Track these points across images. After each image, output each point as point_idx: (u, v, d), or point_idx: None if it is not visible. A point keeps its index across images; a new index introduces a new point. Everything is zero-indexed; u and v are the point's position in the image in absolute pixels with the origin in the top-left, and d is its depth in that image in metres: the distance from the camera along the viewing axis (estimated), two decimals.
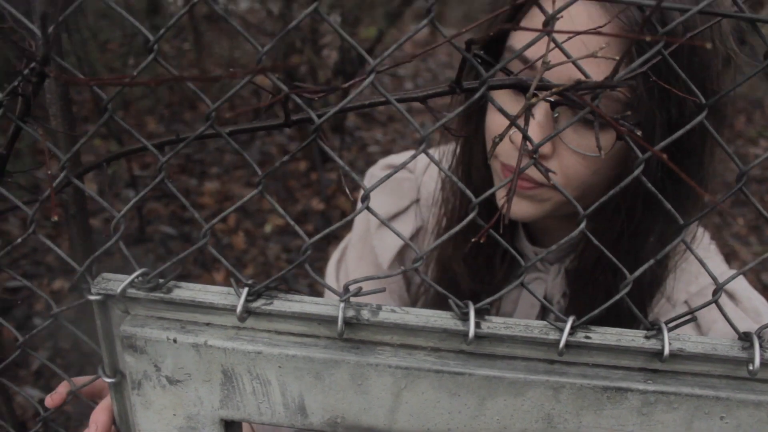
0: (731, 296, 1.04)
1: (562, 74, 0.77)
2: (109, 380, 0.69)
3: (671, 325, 0.59)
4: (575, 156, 0.85)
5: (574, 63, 0.56)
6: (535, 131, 0.83)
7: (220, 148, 4.22)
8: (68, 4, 0.60)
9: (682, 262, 1.02)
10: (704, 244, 1.10)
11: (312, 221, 3.60)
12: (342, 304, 0.60)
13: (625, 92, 0.79)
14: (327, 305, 0.61)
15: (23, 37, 0.66)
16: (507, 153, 0.89)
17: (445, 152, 1.10)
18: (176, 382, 0.65)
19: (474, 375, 0.58)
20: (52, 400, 0.78)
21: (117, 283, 0.65)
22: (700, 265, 1.04)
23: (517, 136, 0.85)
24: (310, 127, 0.59)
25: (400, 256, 1.17)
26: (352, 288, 0.61)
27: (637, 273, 0.58)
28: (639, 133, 0.80)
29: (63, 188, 0.74)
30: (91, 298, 0.66)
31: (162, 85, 0.49)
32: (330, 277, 1.26)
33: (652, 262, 0.58)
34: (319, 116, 0.59)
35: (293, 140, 4.43)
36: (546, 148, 0.85)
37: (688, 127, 0.56)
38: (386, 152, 4.52)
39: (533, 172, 0.87)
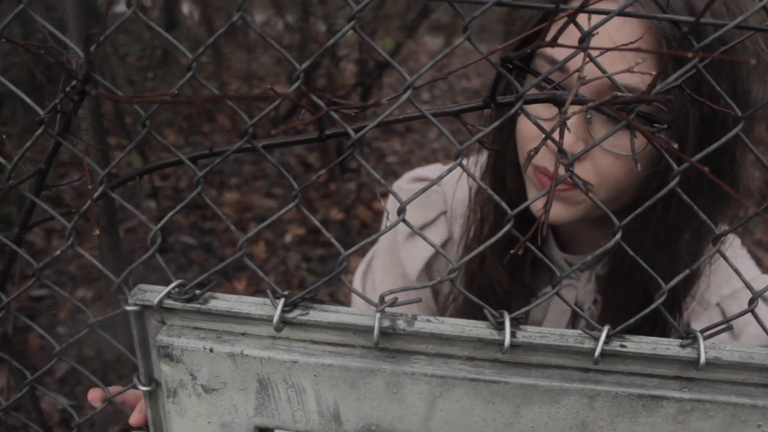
0: (764, 299, 1.04)
1: (588, 71, 0.78)
2: (144, 389, 0.70)
3: (707, 333, 0.59)
4: (609, 156, 0.86)
5: (610, 78, 0.57)
6: (567, 134, 0.83)
7: (239, 159, 4.25)
8: (105, 24, 0.62)
9: (713, 264, 1.02)
10: (736, 247, 1.10)
11: (331, 231, 3.62)
12: (378, 314, 0.60)
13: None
14: (363, 315, 0.62)
15: (60, 54, 0.67)
16: (541, 156, 0.90)
17: (477, 162, 1.11)
18: (212, 391, 0.66)
19: (509, 383, 0.59)
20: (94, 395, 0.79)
21: (154, 294, 0.66)
22: (729, 267, 1.04)
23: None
24: (346, 140, 0.60)
25: (428, 267, 1.18)
26: (387, 298, 0.61)
27: (672, 283, 0.58)
28: (670, 130, 0.81)
29: (96, 201, 0.75)
30: (129, 308, 0.67)
31: (205, 103, 0.50)
32: (357, 288, 1.27)
33: (687, 272, 0.59)
34: (356, 130, 0.60)
35: (312, 151, 4.45)
36: (570, 148, 0.86)
37: (722, 140, 0.56)
38: (404, 162, 4.54)
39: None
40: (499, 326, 0.59)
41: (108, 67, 3.15)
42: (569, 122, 0.84)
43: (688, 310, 1.02)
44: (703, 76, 0.63)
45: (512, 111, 0.58)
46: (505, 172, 1.02)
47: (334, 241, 0.65)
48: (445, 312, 1.20)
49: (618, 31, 0.79)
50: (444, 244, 1.17)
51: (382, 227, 1.24)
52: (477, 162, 1.11)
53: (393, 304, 0.61)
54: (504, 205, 0.58)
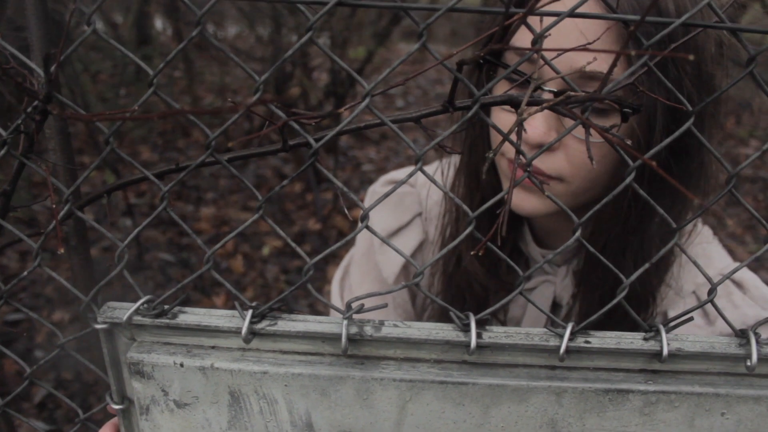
0: (739, 285, 1.05)
1: (564, 64, 0.79)
2: (117, 407, 0.70)
3: (671, 324, 0.60)
4: (582, 145, 0.86)
5: (563, 78, 0.57)
6: (539, 123, 0.84)
7: (214, 174, 4.24)
8: (67, 43, 0.62)
9: (689, 251, 1.04)
10: (707, 236, 1.11)
11: (309, 242, 3.61)
12: (345, 322, 0.61)
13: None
14: (330, 323, 0.62)
15: (23, 75, 0.67)
16: (512, 149, 0.90)
17: (448, 164, 1.11)
18: (184, 406, 0.66)
19: (477, 384, 0.59)
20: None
21: (123, 311, 0.66)
22: (707, 256, 1.05)
23: (529, 134, 0.86)
24: (307, 150, 0.61)
25: (405, 270, 1.18)
26: (354, 305, 0.62)
27: (632, 278, 0.59)
28: (639, 114, 0.82)
29: (65, 220, 0.75)
30: (98, 326, 0.67)
31: (163, 118, 0.50)
32: (334, 296, 1.27)
33: (647, 266, 0.59)
34: (316, 140, 0.60)
35: (287, 163, 4.44)
36: (541, 138, 0.86)
37: (672, 137, 0.57)
38: (380, 170, 4.54)
39: (542, 165, 0.88)
40: (465, 328, 0.59)
41: (78, 86, 3.13)
42: (542, 113, 0.84)
43: (665, 300, 1.03)
44: (667, 64, 0.65)
45: (469, 114, 0.58)
46: (479, 169, 1.02)
47: (299, 250, 0.65)
48: (423, 314, 1.20)
49: (589, 25, 0.80)
50: (420, 246, 1.18)
51: (357, 240, 1.24)
52: (450, 162, 1.12)
53: (360, 310, 0.62)
54: (465, 207, 0.59)
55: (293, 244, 0.67)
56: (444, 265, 1.11)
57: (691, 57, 0.36)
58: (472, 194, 1.04)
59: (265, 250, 3.45)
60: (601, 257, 0.62)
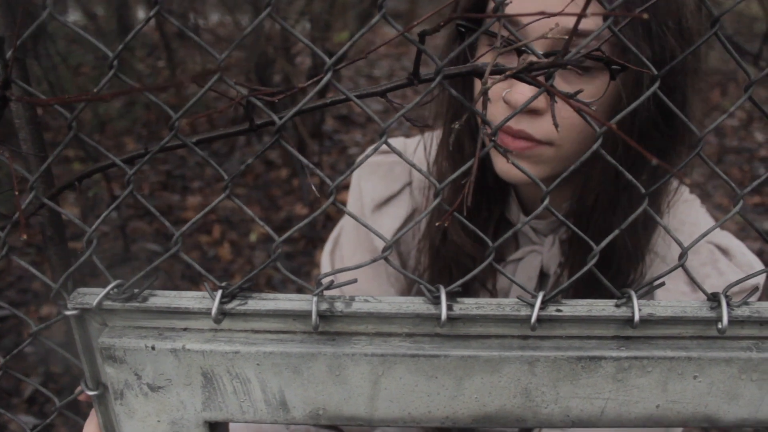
0: (725, 252, 1.05)
1: (547, 26, 0.78)
2: (92, 393, 0.69)
3: (641, 291, 0.60)
4: (569, 107, 0.86)
5: (527, 46, 0.57)
6: (526, 87, 0.83)
7: (200, 162, 4.22)
8: (26, 28, 0.61)
9: (675, 222, 1.03)
10: (687, 197, 1.11)
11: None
12: (315, 298, 0.60)
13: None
14: (300, 300, 0.62)
15: None
16: (500, 115, 0.89)
17: (431, 137, 1.10)
18: (158, 389, 0.65)
19: (449, 356, 0.59)
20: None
21: (92, 296, 0.66)
22: (695, 223, 1.05)
23: (511, 96, 0.85)
24: (293, 134, 0.60)
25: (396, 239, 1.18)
26: (324, 281, 0.61)
27: (603, 244, 0.59)
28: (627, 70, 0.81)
29: (37, 210, 0.74)
30: (68, 313, 0.66)
31: (118, 96, 0.49)
32: (325, 269, 1.26)
33: (617, 232, 0.59)
34: (281, 118, 0.59)
35: (273, 149, 4.43)
36: (540, 103, 0.86)
37: (641, 99, 0.57)
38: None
39: (533, 130, 0.87)
40: (436, 301, 0.59)
41: (57, 78, 3.10)
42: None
43: (652, 268, 1.03)
44: (650, 21, 0.64)
45: (432, 86, 0.58)
46: (462, 140, 1.02)
47: (268, 229, 0.65)
48: (413, 286, 1.19)
49: None
50: (410, 216, 1.17)
51: (348, 205, 1.22)
52: (434, 135, 1.11)
53: (330, 286, 0.61)
54: (432, 180, 0.58)
55: (262, 224, 0.66)
56: (431, 239, 1.10)
57: (645, 16, 0.35)
58: (456, 166, 1.03)
59: (253, 237, 3.44)
60: (577, 230, 0.61)
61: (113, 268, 2.97)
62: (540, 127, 0.88)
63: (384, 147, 1.23)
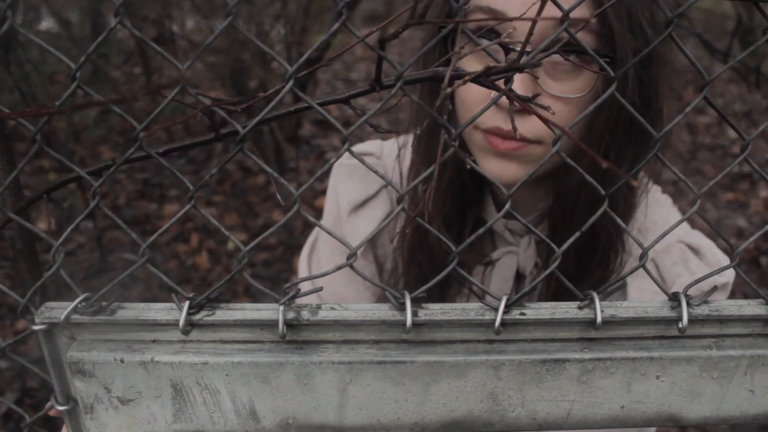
0: (696, 251, 1.07)
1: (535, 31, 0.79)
2: (62, 408, 0.69)
3: (606, 291, 0.61)
4: (559, 103, 0.86)
5: (485, 50, 0.58)
6: (516, 87, 0.83)
7: (177, 170, 4.19)
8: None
9: (647, 222, 1.04)
10: (659, 197, 1.12)
11: (274, 234, 3.60)
12: (281, 307, 0.60)
13: (599, 25, 0.81)
14: (268, 310, 0.62)
15: None
16: (490, 117, 0.89)
17: (405, 142, 1.11)
18: (128, 402, 0.65)
19: (416, 362, 0.59)
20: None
21: (60, 310, 0.65)
22: (664, 224, 1.07)
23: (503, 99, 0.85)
24: (270, 140, 0.60)
25: (373, 241, 1.18)
26: (291, 290, 0.62)
27: (564, 246, 0.60)
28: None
29: (5, 225, 0.74)
30: (36, 328, 0.66)
31: (79, 110, 0.49)
32: (302, 273, 1.26)
33: (577, 234, 0.60)
34: (245, 127, 0.60)
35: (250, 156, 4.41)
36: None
37: (605, 96, 0.58)
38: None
39: (523, 130, 0.87)
40: (401, 307, 0.59)
41: (29, 87, 3.08)
42: (519, 76, 0.83)
43: (625, 268, 1.04)
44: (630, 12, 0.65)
45: (393, 91, 0.58)
46: (432, 144, 1.01)
47: (233, 237, 0.65)
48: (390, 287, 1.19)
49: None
50: (387, 217, 1.17)
51: (325, 213, 1.22)
52: (404, 142, 1.12)
53: (296, 295, 0.61)
54: (394, 185, 0.58)
55: (226, 231, 0.66)
56: (408, 241, 1.10)
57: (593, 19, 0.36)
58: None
59: (231, 245, 3.43)
60: (539, 233, 0.62)
61: (90, 279, 2.95)
62: (531, 127, 0.88)
63: (361, 149, 1.23)
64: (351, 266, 0.59)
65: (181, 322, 0.62)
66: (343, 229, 1.18)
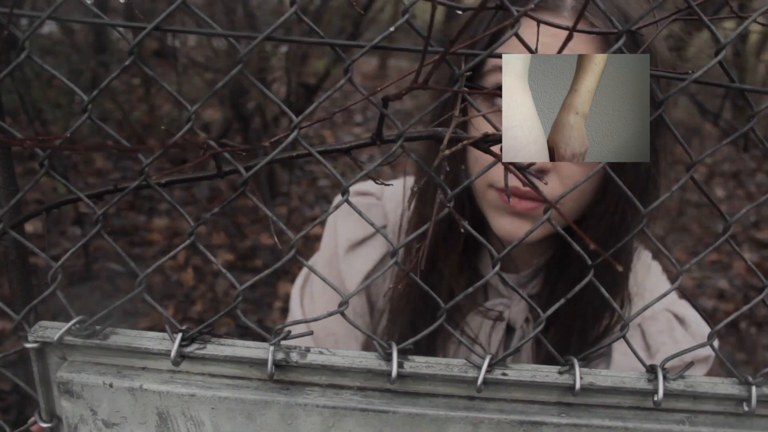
0: (682, 321, 1.08)
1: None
2: (45, 425, 0.70)
3: (588, 358, 0.63)
4: (575, 165, 0.88)
5: (485, 117, 0.60)
6: None
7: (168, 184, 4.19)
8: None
9: (635, 287, 1.06)
10: (650, 263, 1.14)
11: (261, 257, 3.61)
12: (271, 348, 0.62)
13: None
14: (258, 348, 0.64)
15: None
16: (502, 177, 0.90)
17: (404, 185, 1.12)
18: (112, 426, 0.67)
19: (398, 413, 0.61)
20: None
21: (54, 330, 0.67)
22: (652, 290, 1.08)
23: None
24: (240, 179, 0.62)
25: (367, 280, 1.17)
26: (281, 331, 0.63)
27: (549, 312, 0.62)
28: None
29: (1, 236, 0.76)
30: (29, 346, 0.68)
31: (92, 151, 0.51)
32: (294, 303, 1.26)
33: (562, 301, 0.62)
34: (247, 169, 0.62)
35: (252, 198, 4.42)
36: (548, 163, 0.86)
37: (593, 171, 0.60)
38: (336, 186, 4.56)
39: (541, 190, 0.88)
40: (388, 357, 0.61)
41: (29, 93, 3.09)
42: None
43: (611, 333, 1.05)
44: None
45: (394, 149, 0.60)
46: (432, 202, 1.02)
47: (229, 276, 0.67)
48: (378, 325, 1.20)
49: (578, 44, 0.83)
50: (383, 259, 1.18)
51: (322, 245, 1.23)
52: (405, 184, 1.13)
53: (287, 337, 0.63)
54: (387, 238, 0.61)
55: (223, 270, 0.68)
56: (404, 288, 1.11)
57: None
58: (425, 222, 1.03)
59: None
60: (516, 289, 0.64)
61: (73, 286, 2.95)
62: (546, 187, 0.89)
63: (362, 188, 1.24)
64: (342, 314, 0.61)
65: (173, 354, 0.63)
66: (339, 266, 1.18)
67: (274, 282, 3.26)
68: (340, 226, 1.19)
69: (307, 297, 1.23)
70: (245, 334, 2.87)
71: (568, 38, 0.52)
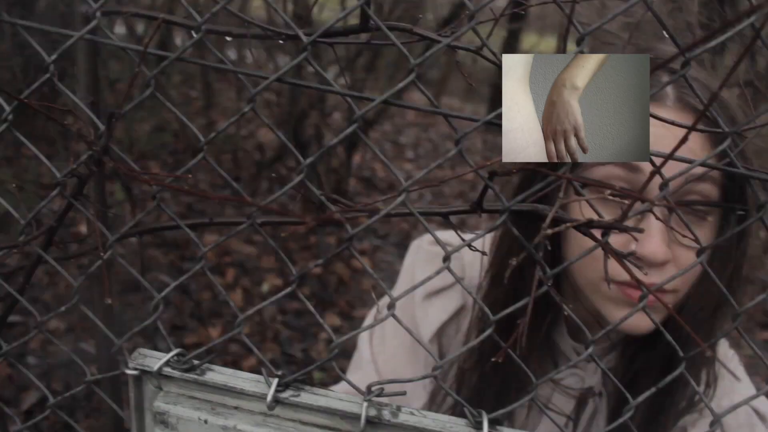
0: (763, 419, 1.07)
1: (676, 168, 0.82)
2: None
3: None
4: (690, 252, 0.88)
5: (588, 202, 0.62)
6: (659, 240, 0.85)
7: (221, 202, 4.27)
8: (125, 102, 0.67)
9: (716, 375, 1.06)
10: (726, 351, 1.13)
11: (308, 285, 3.64)
12: (365, 404, 0.65)
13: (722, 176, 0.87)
14: (351, 402, 0.66)
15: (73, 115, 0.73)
16: (619, 266, 0.89)
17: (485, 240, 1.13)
18: None
19: None
20: None
21: (153, 360, 0.70)
22: (733, 379, 1.08)
23: (643, 252, 0.86)
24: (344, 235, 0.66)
25: (441, 331, 1.18)
26: (374, 389, 0.66)
27: (639, 399, 0.63)
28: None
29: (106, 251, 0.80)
30: (129, 372, 0.71)
31: (203, 197, 0.55)
32: (363, 340, 1.25)
33: (653, 390, 0.64)
34: (353, 227, 0.65)
35: (293, 199, 4.47)
36: (666, 255, 0.86)
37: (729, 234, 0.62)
38: (384, 222, 4.58)
39: (659, 280, 0.86)
40: (478, 426, 0.63)
41: (102, 99, 3.17)
42: (654, 223, 0.85)
43: (688, 418, 1.05)
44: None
45: (498, 222, 0.63)
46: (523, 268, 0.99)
47: (326, 326, 0.70)
48: (447, 375, 1.19)
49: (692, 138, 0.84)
50: (458, 312, 1.18)
51: (397, 288, 1.23)
52: (484, 241, 1.14)
53: (380, 394, 0.65)
54: (486, 309, 0.63)
55: (321, 320, 0.71)
56: (463, 360, 1.11)
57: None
58: (507, 289, 1.03)
59: (265, 287, 3.47)
60: (604, 368, 0.65)
61: (126, 293, 3.00)
62: (665, 278, 0.87)
63: (442, 237, 1.25)
64: (435, 378, 0.64)
65: (269, 399, 0.66)
66: (414, 311, 1.18)
67: (321, 312, 3.29)
68: (419, 274, 1.19)
69: (377, 338, 1.23)
70: (290, 362, 2.90)
71: (684, 138, 0.53)
